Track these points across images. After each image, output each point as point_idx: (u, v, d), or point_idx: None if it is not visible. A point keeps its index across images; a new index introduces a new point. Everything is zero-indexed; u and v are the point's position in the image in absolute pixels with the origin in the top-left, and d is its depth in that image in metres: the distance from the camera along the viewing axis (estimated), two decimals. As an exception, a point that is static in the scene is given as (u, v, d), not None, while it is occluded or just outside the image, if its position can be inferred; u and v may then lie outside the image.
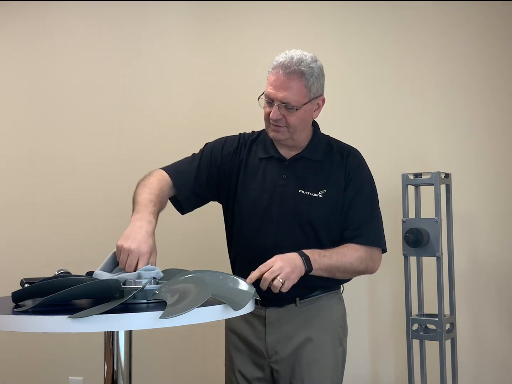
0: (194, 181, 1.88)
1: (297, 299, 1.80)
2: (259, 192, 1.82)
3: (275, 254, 1.67)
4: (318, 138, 1.88)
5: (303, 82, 1.72)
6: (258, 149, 1.88)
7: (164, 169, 1.90)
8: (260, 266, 1.60)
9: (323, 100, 1.81)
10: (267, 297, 1.65)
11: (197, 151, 3.02)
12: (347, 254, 1.76)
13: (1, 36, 3.29)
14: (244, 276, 1.56)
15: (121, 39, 3.07)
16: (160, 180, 1.82)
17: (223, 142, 1.94)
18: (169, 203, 2.97)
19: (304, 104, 1.74)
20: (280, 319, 1.80)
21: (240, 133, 1.97)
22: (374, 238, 1.82)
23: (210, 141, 2.01)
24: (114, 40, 3.08)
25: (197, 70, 2.95)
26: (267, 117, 1.77)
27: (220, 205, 2.88)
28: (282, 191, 1.80)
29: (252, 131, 1.97)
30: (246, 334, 1.85)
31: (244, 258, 1.85)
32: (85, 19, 3.13)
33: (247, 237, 1.83)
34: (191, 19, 2.98)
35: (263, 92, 1.78)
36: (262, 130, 1.93)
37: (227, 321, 1.93)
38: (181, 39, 2.98)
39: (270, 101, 1.74)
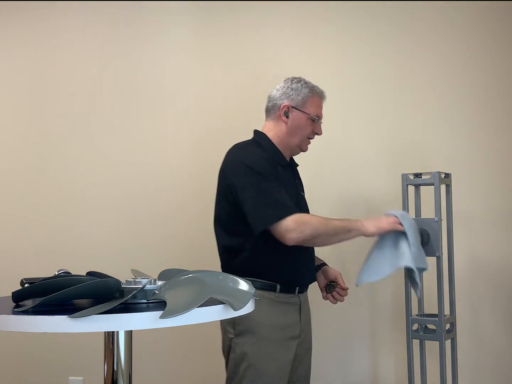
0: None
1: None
2: (290, 195, 1.99)
3: (310, 250, 2.07)
4: None
5: None
6: (270, 157, 2.02)
7: (291, 212, 1.91)
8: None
9: None
10: (307, 284, 2.11)
11: (197, 151, 3.07)
12: None
13: (2, 36, 3.29)
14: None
15: (122, 40, 3.08)
16: (314, 215, 1.99)
17: (261, 154, 2.02)
18: (171, 210, 2.98)
19: None
20: (305, 302, 2.12)
21: (247, 142, 2.10)
22: None
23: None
24: (114, 41, 3.09)
25: (198, 71, 2.96)
26: (309, 133, 2.09)
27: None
28: (298, 194, 2.10)
29: (251, 141, 2.10)
30: (286, 323, 2.01)
31: (289, 253, 1.97)
32: (86, 20, 3.14)
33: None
34: (192, 20, 2.98)
35: (285, 107, 2.07)
36: (257, 140, 2.08)
37: (256, 317, 1.91)
38: (182, 41, 2.99)
39: (316, 121, 2.08)
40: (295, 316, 2.04)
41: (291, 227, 1.85)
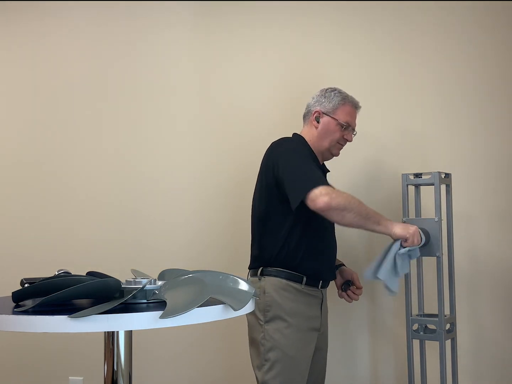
0: None
1: None
2: None
3: (333, 249, 2.23)
4: None
5: None
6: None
7: (322, 184, 2.00)
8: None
9: None
10: (329, 280, 2.21)
11: (201, 151, 3.07)
12: None
13: (1, 34, 3.29)
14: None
15: (122, 40, 3.08)
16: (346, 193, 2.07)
17: (303, 144, 2.20)
18: (172, 200, 2.98)
19: None
20: (325, 299, 2.22)
21: (297, 142, 2.21)
22: None
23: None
24: (114, 40, 3.09)
25: (197, 71, 2.95)
26: (338, 138, 2.21)
27: (219, 207, 2.90)
28: None
29: (291, 139, 2.23)
30: (310, 315, 2.12)
31: (317, 248, 2.13)
32: (85, 20, 3.14)
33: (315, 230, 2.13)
34: (192, 18, 2.98)
35: (316, 112, 2.21)
36: (297, 140, 2.22)
37: (285, 305, 2.07)
38: (184, 39, 2.99)
39: (347, 127, 2.20)
40: (317, 309, 2.16)
41: (325, 191, 1.96)
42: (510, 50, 2.50)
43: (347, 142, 2.25)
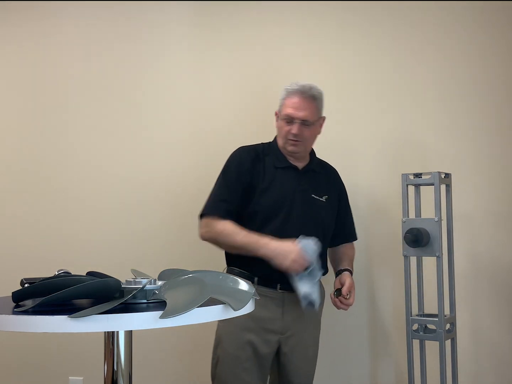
0: (236, 205, 2.15)
1: None
2: (280, 196, 2.13)
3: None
4: (315, 155, 2.32)
5: (315, 104, 2.15)
6: (270, 159, 2.19)
7: (212, 213, 2.13)
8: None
9: (324, 119, 2.24)
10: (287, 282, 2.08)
11: (198, 152, 3.06)
12: (352, 254, 2.36)
13: (1, 37, 3.29)
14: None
15: (122, 40, 3.08)
16: (230, 225, 2.09)
17: (242, 157, 2.19)
18: (165, 207, 2.98)
19: (316, 120, 2.17)
20: (295, 301, 2.08)
21: (250, 146, 2.25)
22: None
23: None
24: (113, 40, 3.09)
25: (198, 70, 2.96)
26: (286, 134, 2.15)
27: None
28: (302, 195, 2.16)
29: (262, 143, 2.26)
30: (261, 315, 2.07)
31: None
32: (84, 20, 3.14)
33: (270, 235, 2.06)
34: (191, 19, 2.98)
35: (275, 114, 2.20)
36: (269, 143, 2.26)
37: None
38: (181, 40, 2.99)
39: (290, 120, 2.11)
40: (275, 311, 2.13)
41: (202, 224, 2.14)
42: (510, 50, 2.50)
43: (318, 137, 2.22)
